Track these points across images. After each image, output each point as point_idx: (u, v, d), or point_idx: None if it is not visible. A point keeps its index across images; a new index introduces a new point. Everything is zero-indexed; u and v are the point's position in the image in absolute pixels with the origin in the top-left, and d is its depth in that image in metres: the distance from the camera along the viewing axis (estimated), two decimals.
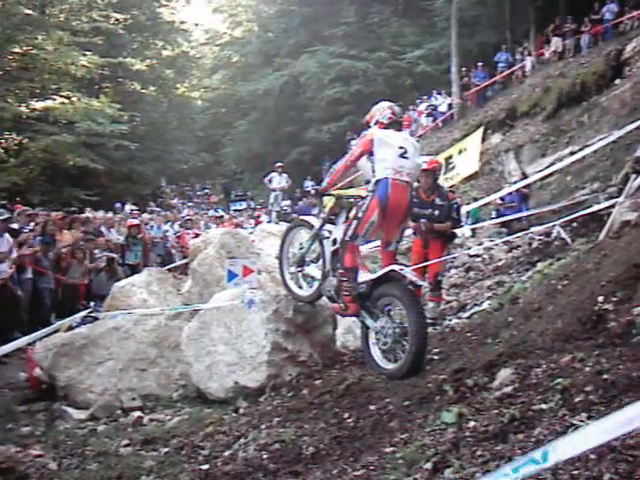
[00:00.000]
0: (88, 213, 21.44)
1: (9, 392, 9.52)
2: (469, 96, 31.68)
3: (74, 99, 33.57)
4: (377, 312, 6.95)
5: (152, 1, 47.80)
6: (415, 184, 8.31)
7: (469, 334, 7.21)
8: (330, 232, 7.55)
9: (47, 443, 7.02)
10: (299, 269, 8.08)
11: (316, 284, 7.79)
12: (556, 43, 27.63)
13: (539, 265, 10.61)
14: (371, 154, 7.02)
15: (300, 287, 8.11)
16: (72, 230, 15.45)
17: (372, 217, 6.87)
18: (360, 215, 6.94)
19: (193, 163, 53.17)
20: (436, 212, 10.08)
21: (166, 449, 6.46)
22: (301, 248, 8.02)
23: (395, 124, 7.37)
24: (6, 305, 11.41)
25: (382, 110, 7.55)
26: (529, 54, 29.30)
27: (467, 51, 32.30)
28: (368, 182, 6.95)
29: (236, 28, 57.45)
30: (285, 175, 24.28)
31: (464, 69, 31.97)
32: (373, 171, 6.96)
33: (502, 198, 18.43)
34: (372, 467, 4.56)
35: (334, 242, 7.40)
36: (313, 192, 7.92)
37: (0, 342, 9.66)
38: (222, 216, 24.59)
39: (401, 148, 7.01)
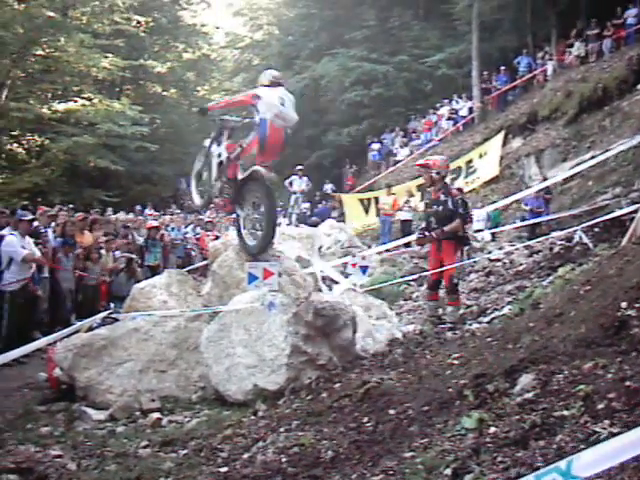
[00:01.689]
0: (110, 214, 21.57)
1: (29, 392, 9.56)
2: (490, 100, 31.58)
3: (95, 101, 33.74)
4: (245, 204, 9.54)
5: (173, 4, 47.96)
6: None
7: (490, 339, 7.15)
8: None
9: (66, 443, 7.01)
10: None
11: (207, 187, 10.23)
12: (578, 47, 27.49)
13: (560, 270, 10.54)
14: (253, 105, 9.07)
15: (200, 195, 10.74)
16: (93, 231, 15.54)
17: (252, 150, 9.21)
18: (244, 146, 9.35)
19: None
20: (440, 208, 10.49)
21: (185, 451, 6.46)
22: (199, 162, 10.63)
23: (276, 84, 9.24)
24: (27, 305, 11.47)
25: (265, 74, 9.49)
26: (550, 58, 29.14)
27: (488, 55, 32.20)
28: None
29: (257, 31, 57.45)
30: (305, 178, 24.27)
31: (485, 73, 31.84)
32: (257, 113, 8.99)
33: (526, 203, 18.38)
34: (391, 472, 4.53)
35: (219, 157, 9.80)
36: (198, 109, 10.76)
37: (20, 342, 9.72)
38: None
39: (280, 99, 9.06)
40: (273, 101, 8.98)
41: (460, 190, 16.54)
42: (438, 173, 10.70)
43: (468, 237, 10.85)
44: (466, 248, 11.01)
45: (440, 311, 10.61)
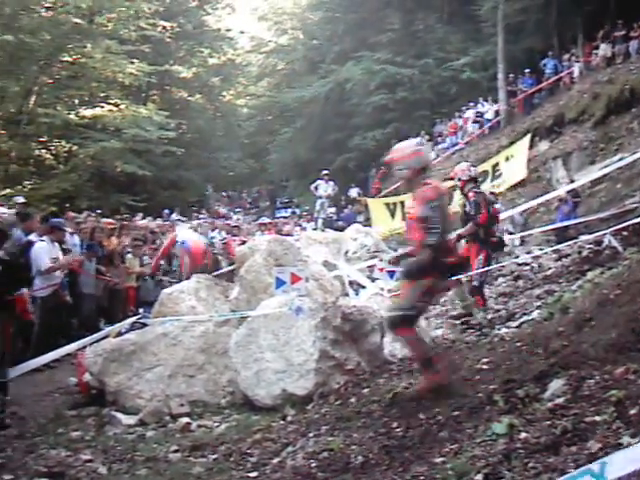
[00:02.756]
0: (138, 220, 21.72)
1: (59, 397, 9.64)
2: (516, 103, 31.44)
3: (122, 106, 33.94)
4: None
5: (198, 9, 48.17)
6: None
7: (519, 344, 7.11)
8: None
9: (97, 448, 7.07)
10: None
11: None
12: (605, 49, 27.30)
13: (589, 274, 10.47)
14: None
15: None
16: (121, 237, 15.64)
17: None
18: None
19: (239, 170, 53.43)
20: (463, 211, 10.77)
21: (214, 456, 6.49)
22: None
23: None
24: (56, 310, 11.56)
25: None
26: (577, 60, 28.95)
27: (513, 57, 32.03)
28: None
29: (281, 36, 57.61)
30: (331, 182, 24.29)
31: (511, 76, 31.70)
32: None
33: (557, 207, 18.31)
34: (422, 477, 4.53)
35: None
36: None
37: (50, 347, 9.81)
38: (267, 223, 24.59)
39: None
40: None
41: (492, 194, 16.75)
42: (460, 179, 10.84)
43: (494, 241, 10.68)
44: (493, 254, 10.85)
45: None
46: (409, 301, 6.27)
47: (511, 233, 18.78)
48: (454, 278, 9.46)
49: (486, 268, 10.48)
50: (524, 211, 18.85)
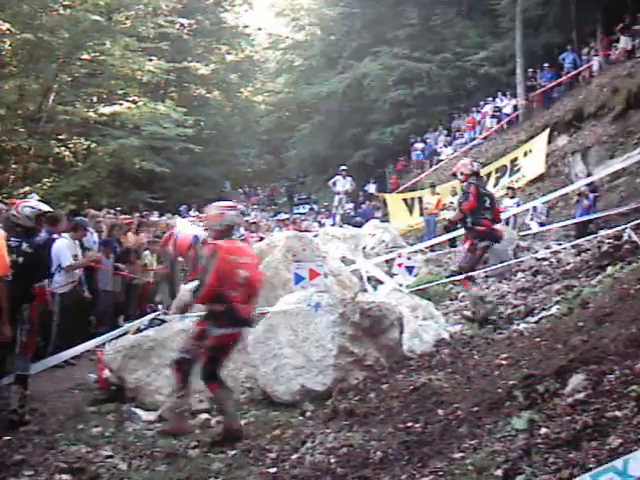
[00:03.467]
0: (163, 217, 21.80)
1: (79, 393, 9.67)
2: (535, 97, 31.23)
3: (140, 104, 33.98)
4: None
5: (216, 6, 48.22)
6: None
7: (538, 339, 7.08)
8: None
9: (117, 444, 7.10)
10: None
11: None
12: (624, 42, 27.05)
13: (609, 269, 10.39)
14: None
15: None
16: (139, 233, 15.68)
17: None
18: None
19: (257, 166, 53.49)
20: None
21: (234, 451, 6.50)
22: None
23: None
24: (75, 307, 11.60)
25: None
26: (596, 54, 28.71)
27: (532, 52, 31.80)
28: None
29: (299, 32, 57.54)
30: (349, 178, 24.24)
31: (529, 70, 31.51)
32: None
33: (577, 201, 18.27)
34: (441, 473, 4.53)
35: None
36: None
37: (69, 344, 9.86)
38: (286, 219, 24.60)
39: None
40: None
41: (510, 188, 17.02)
42: (462, 173, 10.98)
43: (481, 230, 10.69)
44: (481, 243, 10.93)
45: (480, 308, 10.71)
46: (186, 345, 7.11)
47: (542, 224, 18.80)
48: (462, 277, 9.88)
49: (473, 255, 10.74)
50: (544, 203, 18.78)
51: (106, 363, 9.14)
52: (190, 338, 7.05)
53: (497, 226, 11.00)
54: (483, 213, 10.66)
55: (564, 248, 13.90)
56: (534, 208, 19.26)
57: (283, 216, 25.54)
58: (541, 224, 19.04)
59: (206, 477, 5.91)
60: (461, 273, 10.75)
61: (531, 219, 19.86)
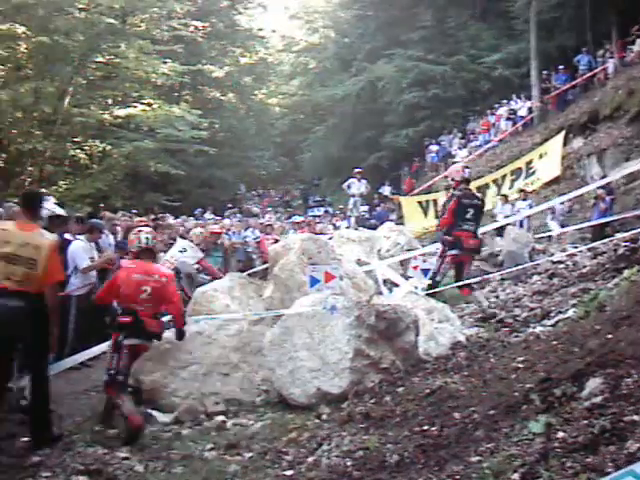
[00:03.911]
0: (170, 219, 21.82)
1: (96, 395, 9.69)
2: (549, 100, 31.13)
3: (155, 106, 34.11)
4: None
5: (230, 9, 48.38)
6: None
7: (555, 342, 7.05)
8: None
9: (133, 446, 7.14)
10: None
11: None
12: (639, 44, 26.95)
13: (626, 272, 10.33)
14: None
15: None
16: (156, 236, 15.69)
17: None
18: None
19: (271, 169, 53.62)
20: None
21: (250, 454, 6.52)
22: None
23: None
24: (92, 310, 11.63)
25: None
26: (611, 56, 28.58)
27: (547, 54, 31.68)
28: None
29: (313, 34, 57.70)
30: (364, 181, 24.15)
31: (544, 72, 31.40)
32: None
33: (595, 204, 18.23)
34: (458, 476, 4.53)
35: None
36: None
37: (86, 346, 9.89)
38: (300, 222, 24.59)
39: None
40: None
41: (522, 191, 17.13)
42: (453, 180, 11.57)
43: (449, 240, 11.23)
44: (450, 252, 11.26)
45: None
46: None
47: (563, 226, 18.82)
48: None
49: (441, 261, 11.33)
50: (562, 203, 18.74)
51: None
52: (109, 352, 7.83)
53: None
54: (460, 224, 11.09)
55: (580, 251, 13.85)
56: (553, 209, 19.26)
57: (298, 218, 25.48)
58: (562, 225, 19.04)
59: (222, 479, 5.92)
60: (433, 279, 11.25)
61: (552, 219, 19.84)
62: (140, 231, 8.29)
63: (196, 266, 13.55)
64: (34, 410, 7.28)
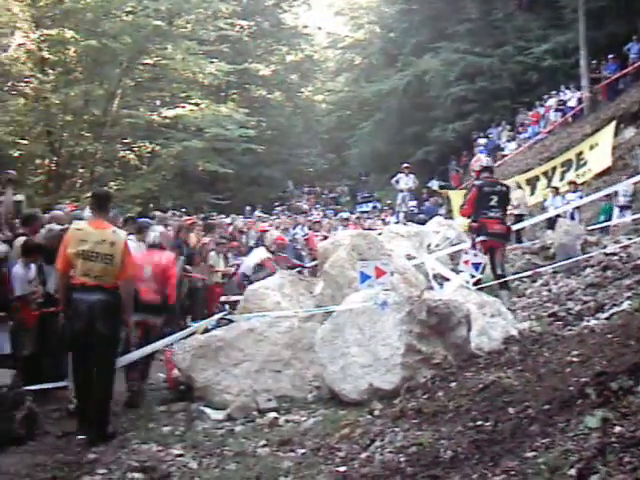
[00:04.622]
0: (223, 218, 22.01)
1: (149, 392, 9.82)
2: (599, 89, 30.65)
3: (203, 106, 34.36)
4: None
5: (275, 7, 48.60)
6: None
7: (610, 335, 6.94)
8: None
9: (187, 443, 7.21)
10: None
11: None
12: None
13: None
14: None
15: None
16: (205, 235, 15.83)
17: None
18: None
19: (319, 166, 53.66)
20: None
21: (303, 450, 6.53)
22: None
23: None
24: None
25: None
26: None
27: (596, 43, 31.13)
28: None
29: (358, 30, 57.62)
30: (412, 176, 24.12)
31: (594, 62, 30.93)
32: None
33: None
34: (513, 472, 4.47)
35: None
36: None
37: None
38: (348, 218, 24.58)
39: None
40: None
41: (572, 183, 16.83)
42: (474, 170, 12.00)
43: (473, 226, 11.51)
44: (478, 238, 11.36)
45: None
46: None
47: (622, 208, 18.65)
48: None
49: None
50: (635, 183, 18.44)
51: (175, 363, 9.27)
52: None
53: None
54: (485, 212, 11.18)
55: (634, 242, 13.64)
56: (615, 193, 18.99)
57: (346, 215, 25.50)
58: (623, 207, 18.86)
59: (276, 476, 5.93)
60: None
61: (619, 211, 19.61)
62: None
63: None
64: (97, 405, 7.48)
